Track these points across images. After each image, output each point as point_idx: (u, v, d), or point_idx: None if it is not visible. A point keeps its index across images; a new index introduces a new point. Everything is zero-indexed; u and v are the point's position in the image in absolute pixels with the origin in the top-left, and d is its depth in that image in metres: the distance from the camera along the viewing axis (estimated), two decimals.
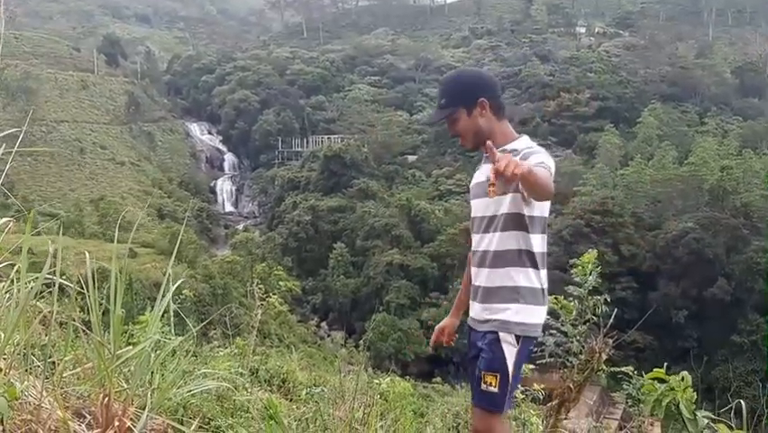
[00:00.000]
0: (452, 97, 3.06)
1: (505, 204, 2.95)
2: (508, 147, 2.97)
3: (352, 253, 51.06)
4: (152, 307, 2.51)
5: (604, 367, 4.07)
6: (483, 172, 3.10)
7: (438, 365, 40.77)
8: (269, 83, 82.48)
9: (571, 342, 4.01)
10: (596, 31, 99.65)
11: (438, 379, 29.19)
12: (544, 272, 2.96)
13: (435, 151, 71.42)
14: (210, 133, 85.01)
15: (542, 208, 2.94)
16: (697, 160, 50.29)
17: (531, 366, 5.51)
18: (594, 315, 4.11)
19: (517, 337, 2.93)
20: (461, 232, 47.99)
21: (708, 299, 39.32)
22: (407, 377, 24.86)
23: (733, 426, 3.16)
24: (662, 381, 3.22)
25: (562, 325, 4.06)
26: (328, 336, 41.71)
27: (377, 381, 5.87)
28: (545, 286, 3.02)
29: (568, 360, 4.00)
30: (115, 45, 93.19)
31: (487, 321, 3.01)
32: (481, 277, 3.08)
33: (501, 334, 2.94)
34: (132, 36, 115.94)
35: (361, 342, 26.61)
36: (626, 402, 4.27)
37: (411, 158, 70.66)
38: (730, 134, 59.73)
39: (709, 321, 38.69)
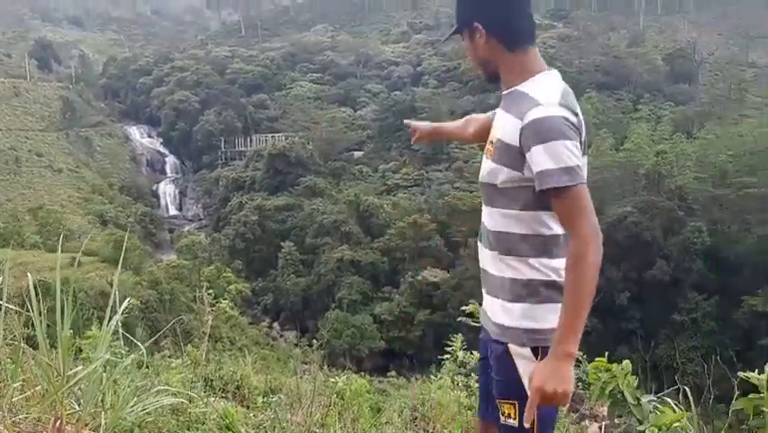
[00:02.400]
0: (457, 14, 2.49)
1: (503, 172, 2.33)
2: (511, 90, 2.36)
3: (302, 251, 50.77)
4: (99, 319, 2.47)
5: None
6: (497, 120, 2.45)
7: (392, 359, 40.98)
8: (208, 83, 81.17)
9: None
10: None
11: (393, 373, 29.31)
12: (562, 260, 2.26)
13: (381, 146, 71.58)
14: (150, 135, 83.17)
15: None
16: (632, 146, 51.81)
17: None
18: None
19: (534, 350, 2.31)
20: (410, 225, 48.35)
21: (648, 281, 40.59)
22: (363, 373, 24.91)
23: (680, 408, 3.29)
24: (606, 369, 3.31)
25: None
26: (281, 336, 41.43)
27: (333, 379, 5.90)
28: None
29: None
30: (47, 49, 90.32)
31: (495, 325, 2.42)
32: (485, 258, 2.50)
33: (511, 346, 2.35)
34: (64, 40, 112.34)
35: (315, 340, 26.56)
36: (578, 386, 4.39)
37: (357, 154, 70.62)
38: (663, 120, 61.72)
39: (651, 302, 39.95)
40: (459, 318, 4.78)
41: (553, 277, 2.30)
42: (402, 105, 72.36)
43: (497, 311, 2.41)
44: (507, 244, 2.36)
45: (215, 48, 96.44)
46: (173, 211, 73.36)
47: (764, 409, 3.02)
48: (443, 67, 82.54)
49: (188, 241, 51.74)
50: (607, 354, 3.44)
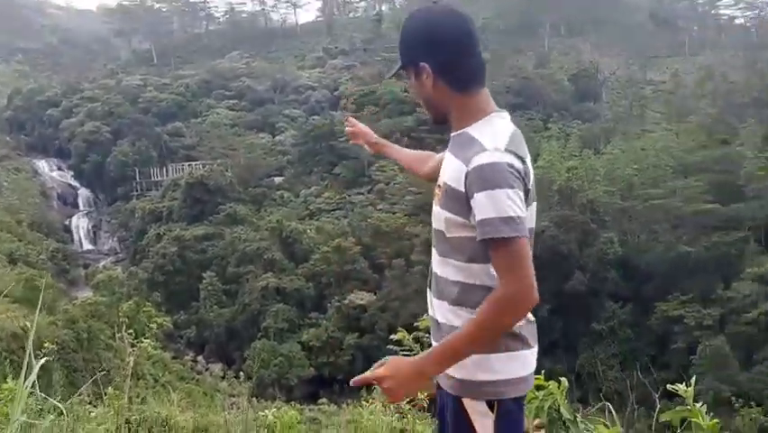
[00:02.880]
0: (401, 50, 2.33)
1: (451, 219, 2.23)
2: (460, 133, 2.25)
3: (224, 281, 49.79)
4: (12, 363, 2.40)
5: None
6: (445, 162, 2.32)
7: (322, 386, 40.59)
8: (120, 112, 78.84)
9: None
10: None
11: (324, 400, 29.07)
12: None
13: (302, 170, 71.41)
14: (60, 168, 79.88)
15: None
16: (545, 163, 53.68)
17: None
18: None
19: (490, 404, 2.17)
20: (335, 249, 48.29)
21: (567, 293, 41.97)
22: (293, 402, 24.61)
23: (605, 423, 3.42)
24: (540, 387, 3.37)
25: None
26: (206, 369, 40.31)
27: (262, 413, 5.84)
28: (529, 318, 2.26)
29: None
30: None
31: (446, 377, 2.23)
32: (434, 308, 2.38)
33: (466, 400, 2.20)
34: None
35: (242, 372, 26.00)
36: None
37: (278, 179, 70.19)
38: (572, 137, 64.29)
39: (571, 313, 41.30)
40: (389, 345, 4.84)
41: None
42: (321, 129, 72.51)
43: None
44: (456, 295, 2.23)
45: (126, 77, 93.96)
46: (87, 246, 70.56)
47: (693, 420, 3.14)
48: (361, 91, 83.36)
49: (104, 276, 49.83)
50: (543, 371, 3.53)
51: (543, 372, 3.52)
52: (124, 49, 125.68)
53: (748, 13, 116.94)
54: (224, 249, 52.74)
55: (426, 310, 2.47)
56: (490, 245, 2.05)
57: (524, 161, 2.14)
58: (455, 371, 2.16)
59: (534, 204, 2.24)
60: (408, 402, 5.59)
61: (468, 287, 2.20)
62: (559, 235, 43.63)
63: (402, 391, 2.12)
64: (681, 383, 3.18)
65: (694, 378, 3.23)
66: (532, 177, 2.19)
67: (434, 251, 2.40)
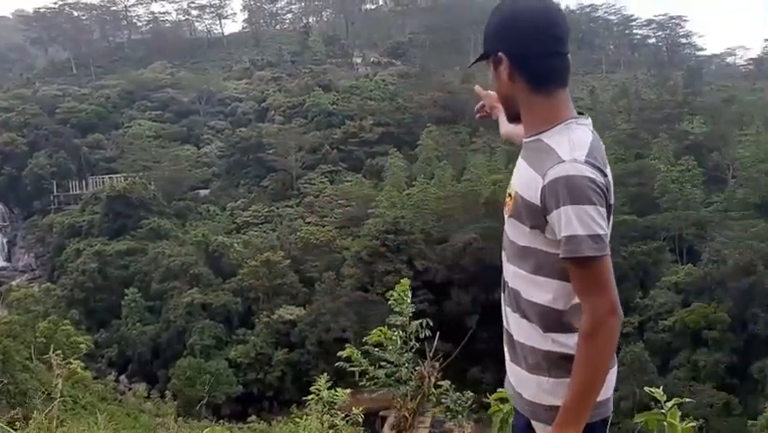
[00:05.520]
0: (485, 38, 2.22)
1: (523, 230, 2.12)
2: (534, 139, 2.11)
3: (148, 297, 48.31)
4: None
5: (434, 391, 4.22)
6: (517, 170, 2.21)
7: (251, 403, 39.89)
8: (37, 123, 75.69)
9: (401, 370, 4.12)
10: (371, 60, 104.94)
11: (253, 417, 28.55)
12: None
13: (228, 183, 70.37)
14: None
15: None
16: (472, 176, 54.83)
17: (347, 390, 5.67)
18: (417, 340, 4.25)
19: None
20: (263, 263, 47.64)
21: (494, 303, 42.55)
22: (221, 420, 24.07)
23: None
24: (503, 399, 3.35)
25: (389, 355, 4.16)
26: (129, 389, 38.88)
27: None
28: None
29: (400, 389, 4.12)
30: None
31: (518, 396, 2.20)
32: (508, 318, 2.30)
33: (534, 423, 2.15)
34: None
35: (167, 391, 25.23)
36: (446, 415, 4.53)
37: (203, 192, 68.91)
38: (497, 151, 65.86)
39: (498, 322, 41.90)
40: (337, 364, 4.75)
41: (574, 351, 2.03)
42: (248, 141, 71.76)
43: (522, 385, 2.21)
44: (525, 307, 2.15)
45: (44, 86, 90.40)
46: (1, 263, 67.33)
47: (667, 421, 3.20)
48: (290, 103, 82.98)
49: (20, 294, 47.50)
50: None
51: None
52: (42, 57, 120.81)
53: (660, 33, 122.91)
54: (148, 264, 51.22)
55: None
56: (575, 264, 1.93)
57: (605, 174, 1.99)
58: (528, 393, 2.13)
59: (611, 223, 2.07)
60: (344, 418, 5.57)
61: (532, 303, 2.12)
62: (486, 247, 44.46)
63: None
64: None
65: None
66: (612, 192, 2.04)
67: (504, 259, 2.26)
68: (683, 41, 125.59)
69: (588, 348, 1.94)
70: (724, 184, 58.94)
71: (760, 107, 75.08)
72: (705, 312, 38.77)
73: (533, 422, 2.13)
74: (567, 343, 2.05)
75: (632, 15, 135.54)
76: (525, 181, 2.07)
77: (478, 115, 2.96)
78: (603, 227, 1.91)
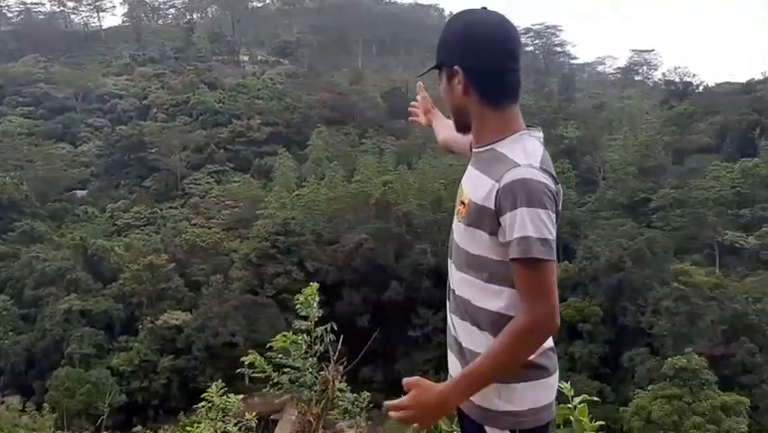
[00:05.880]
0: (439, 49, 2.20)
1: (477, 235, 2.12)
2: (486, 149, 2.13)
3: (21, 305, 45.49)
4: None
5: (339, 395, 4.29)
6: (468, 179, 2.22)
7: (136, 412, 38.42)
8: None
9: (305, 375, 4.17)
10: (258, 59, 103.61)
11: (138, 428, 27.59)
12: None
13: (108, 183, 67.39)
14: None
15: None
16: (362, 177, 55.39)
17: (239, 396, 5.69)
18: (322, 344, 4.31)
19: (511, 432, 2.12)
20: (146, 267, 45.95)
21: (385, 302, 43.53)
22: (105, 432, 23.11)
23: None
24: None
25: (293, 361, 4.21)
26: (2, 402, 36.40)
27: None
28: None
29: (304, 394, 4.18)
30: None
31: (469, 402, 2.18)
32: (456, 326, 2.27)
33: (488, 428, 2.16)
34: None
35: (45, 403, 23.90)
36: (344, 417, 4.60)
37: (80, 193, 65.61)
38: (386, 152, 66.95)
39: (389, 321, 42.85)
40: (239, 369, 4.73)
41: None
42: (129, 139, 69.00)
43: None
44: (475, 315, 2.16)
45: None
46: None
47: (573, 417, 3.28)
48: (173, 100, 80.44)
49: None
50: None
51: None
52: None
53: (537, 41, 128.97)
54: (20, 270, 48.17)
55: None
56: (524, 265, 1.96)
57: (556, 181, 2.04)
58: (478, 399, 2.11)
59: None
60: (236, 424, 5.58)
61: (485, 311, 2.13)
62: (376, 247, 45.15)
63: (427, 421, 2.08)
64: None
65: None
66: (560, 201, 2.07)
67: (451, 267, 2.25)
68: (558, 49, 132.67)
69: (516, 343, 1.98)
70: (595, 186, 62.82)
71: (627, 113, 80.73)
72: (580, 306, 41.18)
73: (486, 428, 2.14)
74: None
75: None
76: (477, 187, 2.09)
77: (410, 119, 2.95)
78: (552, 233, 1.96)
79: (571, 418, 3.28)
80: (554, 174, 2.05)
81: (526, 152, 2.03)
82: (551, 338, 2.13)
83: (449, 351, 2.31)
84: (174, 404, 37.37)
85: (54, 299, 44.41)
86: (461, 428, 2.33)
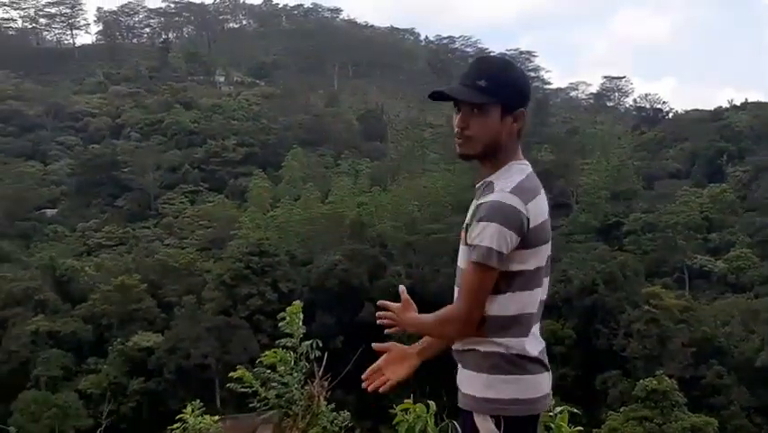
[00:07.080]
0: (498, 87, 2.33)
1: (461, 254, 2.39)
2: (485, 182, 2.36)
3: None
4: None
5: (324, 410, 4.32)
6: (470, 209, 2.41)
7: None
8: None
9: (292, 391, 4.19)
10: (234, 80, 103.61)
11: None
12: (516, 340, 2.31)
13: (79, 202, 66.44)
14: None
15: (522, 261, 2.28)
16: (336, 198, 55.44)
17: (215, 417, 5.64)
18: (308, 360, 4.36)
19: (497, 420, 2.32)
20: (117, 288, 45.24)
21: (358, 324, 43.29)
22: None
23: None
24: (407, 410, 3.58)
25: (281, 376, 4.24)
26: None
27: None
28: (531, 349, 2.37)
29: (290, 409, 4.19)
30: None
31: (462, 395, 2.43)
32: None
33: (475, 416, 2.37)
34: None
35: (11, 428, 23.27)
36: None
37: (50, 212, 64.63)
38: (361, 174, 67.21)
39: (362, 343, 42.49)
40: (228, 384, 4.70)
41: (512, 351, 2.31)
42: (102, 158, 68.36)
43: (463, 381, 2.42)
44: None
45: None
46: None
47: (555, 424, 3.51)
48: (147, 120, 79.94)
49: None
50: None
51: (411, 396, 3.73)
52: None
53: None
54: None
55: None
56: (471, 266, 2.24)
57: (526, 205, 2.25)
58: (469, 388, 2.38)
59: (546, 246, 2.36)
60: None
61: (490, 317, 2.33)
62: (350, 268, 45.00)
63: (399, 370, 2.62)
64: None
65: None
66: (540, 219, 2.30)
67: (456, 289, 2.43)
68: (532, 74, 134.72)
69: (438, 323, 2.41)
70: (569, 209, 63.57)
71: (600, 138, 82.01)
72: (554, 329, 41.39)
73: (474, 415, 2.35)
74: (506, 344, 2.31)
75: (487, 48, 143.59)
76: (470, 211, 2.35)
77: (386, 331, 2.84)
78: (504, 249, 2.20)
79: (552, 425, 3.53)
80: (532, 197, 2.29)
81: (507, 179, 2.31)
82: (527, 346, 2.33)
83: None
84: (144, 429, 36.62)
85: (21, 320, 43.45)
86: (460, 426, 2.57)
